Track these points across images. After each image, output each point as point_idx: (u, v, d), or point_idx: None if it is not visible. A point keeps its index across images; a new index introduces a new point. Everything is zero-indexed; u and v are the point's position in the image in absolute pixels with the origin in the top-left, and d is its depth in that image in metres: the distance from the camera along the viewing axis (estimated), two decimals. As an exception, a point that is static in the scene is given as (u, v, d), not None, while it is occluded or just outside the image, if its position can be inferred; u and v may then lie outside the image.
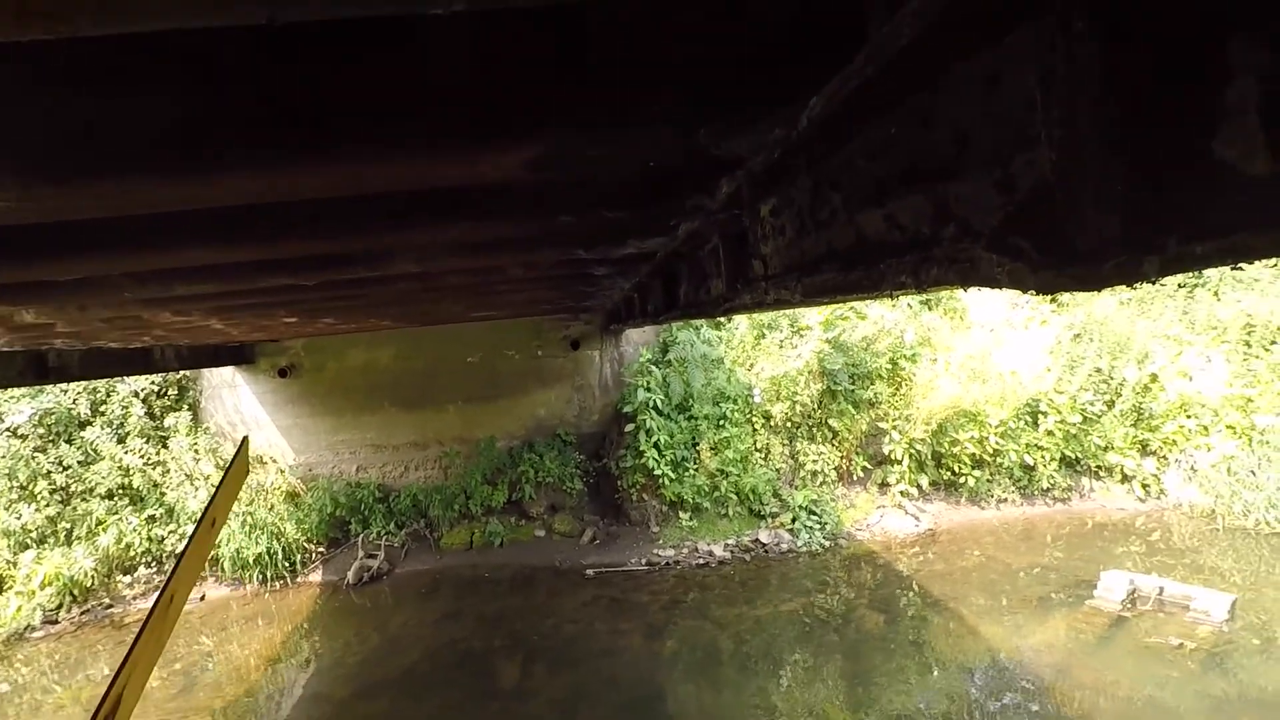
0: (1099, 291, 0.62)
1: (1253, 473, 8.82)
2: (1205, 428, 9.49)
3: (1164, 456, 9.63)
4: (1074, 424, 9.49)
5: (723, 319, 10.03)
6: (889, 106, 1.09)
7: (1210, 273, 10.81)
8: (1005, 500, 9.53)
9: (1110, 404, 9.79)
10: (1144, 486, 9.56)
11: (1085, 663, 6.05)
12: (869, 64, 0.93)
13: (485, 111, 1.18)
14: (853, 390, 9.62)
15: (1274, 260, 10.55)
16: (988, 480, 9.55)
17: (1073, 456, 9.60)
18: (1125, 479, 9.66)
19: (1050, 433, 9.48)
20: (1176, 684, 5.63)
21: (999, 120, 0.81)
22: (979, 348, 10.14)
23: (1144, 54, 0.58)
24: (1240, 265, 0.55)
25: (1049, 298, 10.61)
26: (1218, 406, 9.49)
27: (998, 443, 9.43)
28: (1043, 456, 9.49)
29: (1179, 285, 10.81)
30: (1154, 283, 0.57)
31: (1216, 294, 10.65)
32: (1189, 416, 9.56)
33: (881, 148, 1.16)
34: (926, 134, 1.01)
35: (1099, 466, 9.68)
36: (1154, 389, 9.79)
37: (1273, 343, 9.77)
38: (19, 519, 8.37)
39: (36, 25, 0.68)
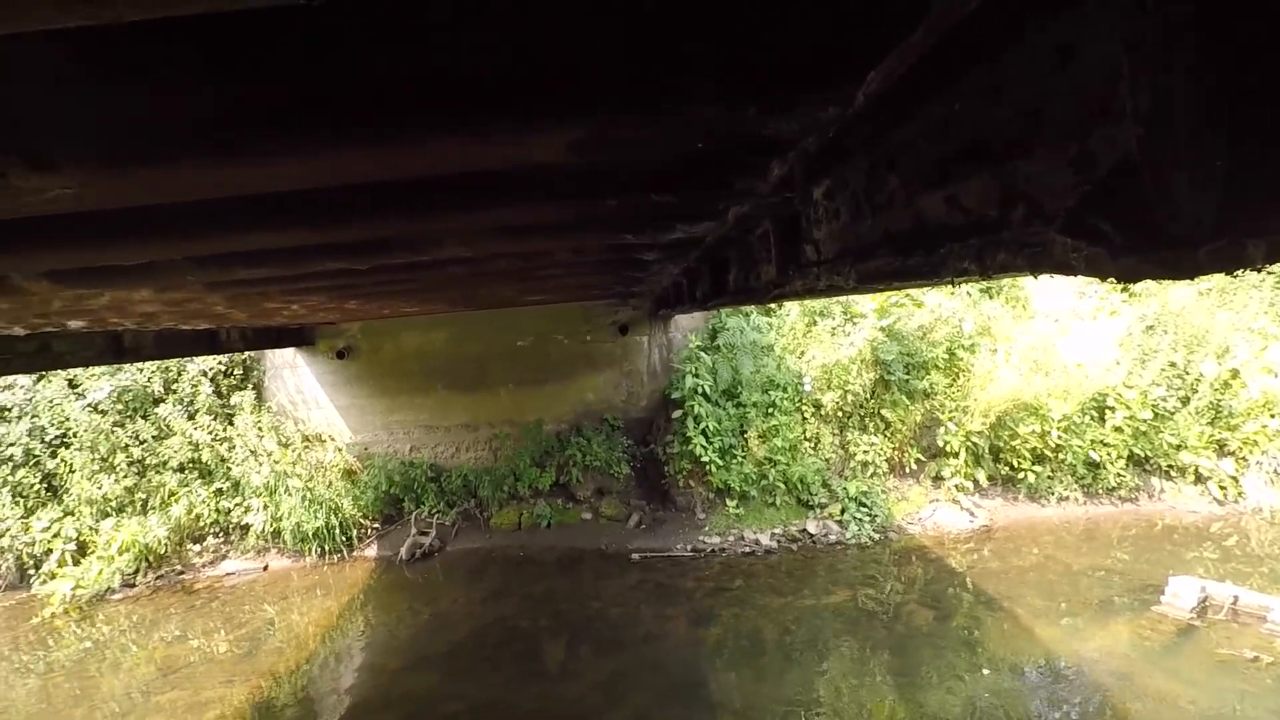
0: (1191, 280, 0.56)
1: (1343, 476, 8.26)
2: (1291, 428, 8.91)
3: (1243, 457, 9.08)
4: (1144, 420, 9.03)
5: (773, 305, 9.88)
6: (952, 81, 1.02)
7: (1302, 262, 10.10)
8: (1067, 498, 9.15)
9: (1185, 400, 9.27)
10: (1220, 488, 9.04)
11: (1149, 672, 5.77)
12: (931, 35, 0.86)
13: (530, 92, 1.16)
14: (907, 380, 9.36)
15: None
16: (1049, 476, 9.19)
17: (1142, 454, 9.14)
18: (1199, 480, 9.15)
19: (1118, 429, 9.04)
20: (1251, 699, 5.32)
21: (1075, 92, 0.75)
22: (1042, 338, 9.73)
23: (1247, 12, 0.52)
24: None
25: (1121, 287, 10.09)
26: (1306, 406, 8.90)
27: (1060, 438, 9.04)
28: (1109, 453, 9.07)
29: (1267, 274, 10.12)
30: (1259, 270, 0.51)
31: (1309, 284, 9.95)
32: (1273, 416, 8.98)
33: (943, 125, 1.09)
34: (993, 109, 0.94)
35: (1170, 466, 9.19)
36: (1234, 385, 9.23)
37: (1371, 338, 9.10)
38: (100, 489, 8.90)
39: (78, 9, 0.68)
